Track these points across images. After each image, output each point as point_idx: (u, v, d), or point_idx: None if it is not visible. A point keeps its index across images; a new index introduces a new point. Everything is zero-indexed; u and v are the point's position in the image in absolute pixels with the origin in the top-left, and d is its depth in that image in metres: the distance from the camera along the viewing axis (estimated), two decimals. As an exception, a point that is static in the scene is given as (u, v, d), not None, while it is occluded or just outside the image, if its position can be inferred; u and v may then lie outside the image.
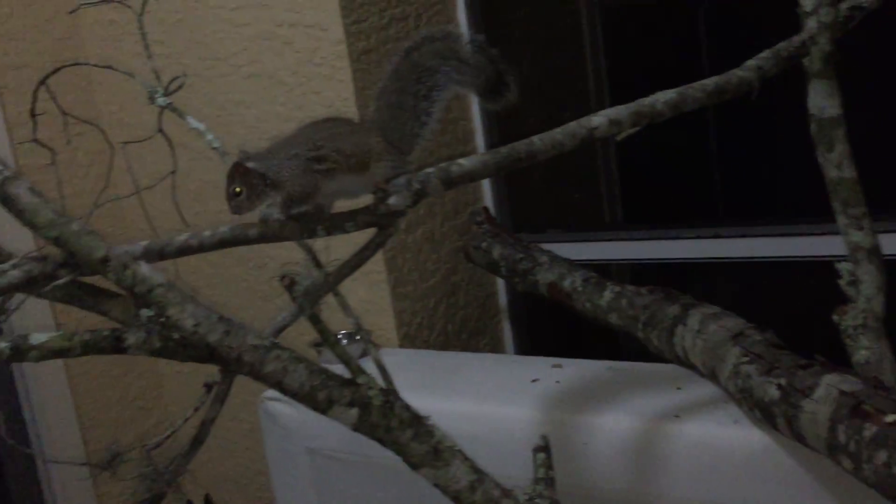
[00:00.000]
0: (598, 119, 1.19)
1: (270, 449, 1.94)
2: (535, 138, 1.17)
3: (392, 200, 1.11)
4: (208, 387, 1.21)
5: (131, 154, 1.49)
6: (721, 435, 1.37)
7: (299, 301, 0.98)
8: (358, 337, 1.90)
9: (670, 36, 3.00)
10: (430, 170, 1.14)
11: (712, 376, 1.46)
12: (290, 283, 0.97)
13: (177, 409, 2.57)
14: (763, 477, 1.33)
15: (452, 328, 2.26)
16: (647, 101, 1.21)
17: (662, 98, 1.21)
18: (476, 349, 2.33)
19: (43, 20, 2.29)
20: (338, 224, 1.14)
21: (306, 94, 2.06)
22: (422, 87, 1.21)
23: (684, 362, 1.57)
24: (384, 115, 1.22)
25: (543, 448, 1.16)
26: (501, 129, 2.32)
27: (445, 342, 2.23)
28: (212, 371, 1.29)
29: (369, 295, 2.08)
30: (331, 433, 1.75)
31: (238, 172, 1.11)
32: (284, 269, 0.99)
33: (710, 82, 1.24)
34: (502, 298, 2.41)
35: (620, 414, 1.49)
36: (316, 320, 1.00)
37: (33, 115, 1.34)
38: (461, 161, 1.16)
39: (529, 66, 2.56)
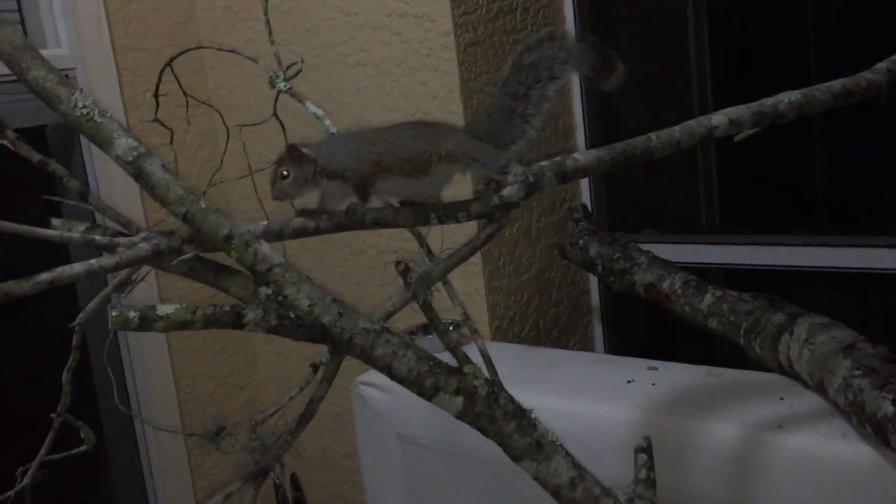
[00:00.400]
0: (718, 118, 1.16)
1: (361, 432, 1.97)
2: (653, 135, 1.14)
3: (506, 192, 1.11)
4: (314, 366, 1.24)
5: (240, 137, 1.53)
6: (827, 449, 1.33)
7: (413, 288, 0.99)
8: (452, 327, 1.91)
9: (775, 38, 2.92)
10: (544, 163, 1.13)
11: (819, 388, 1.41)
12: (404, 270, 0.98)
13: (269, 388, 2.64)
14: (870, 494, 1.28)
15: (544, 324, 2.25)
16: (769, 101, 1.18)
17: (786, 99, 1.18)
18: (566, 347, 2.31)
19: (163, 4, 2.37)
20: (450, 213, 1.14)
21: (412, 85, 2.08)
22: (521, 88, 1.20)
23: (788, 372, 1.52)
24: (485, 119, 1.21)
25: (645, 449, 1.15)
26: (602, 125, 2.29)
27: (536, 338, 2.23)
28: (307, 353, 1.31)
29: (464, 286, 2.09)
30: (421, 420, 1.77)
31: (291, 155, 1.10)
32: (399, 256, 1.00)
33: (836, 84, 1.20)
34: (594, 297, 2.39)
35: (720, 420, 1.46)
36: (428, 307, 1.01)
37: (157, 95, 1.40)
38: (576, 155, 1.14)
39: (633, 64, 2.52)
